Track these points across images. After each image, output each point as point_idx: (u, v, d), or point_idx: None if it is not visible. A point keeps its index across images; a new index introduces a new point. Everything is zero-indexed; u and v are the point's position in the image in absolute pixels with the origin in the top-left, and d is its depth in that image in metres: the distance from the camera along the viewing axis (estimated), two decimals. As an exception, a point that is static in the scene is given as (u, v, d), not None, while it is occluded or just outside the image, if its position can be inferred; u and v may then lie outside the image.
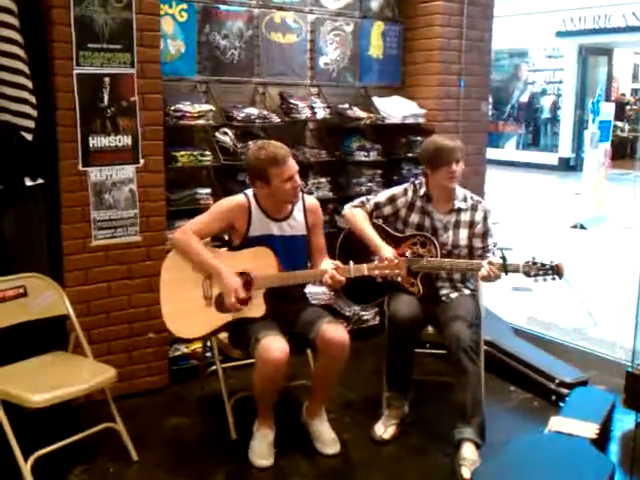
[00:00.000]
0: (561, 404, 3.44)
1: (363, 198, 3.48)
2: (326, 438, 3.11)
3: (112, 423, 2.99)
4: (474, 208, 3.36)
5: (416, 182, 3.43)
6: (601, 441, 2.97)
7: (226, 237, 3.31)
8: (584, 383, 3.66)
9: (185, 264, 3.04)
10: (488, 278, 3.09)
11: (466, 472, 2.89)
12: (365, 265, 3.01)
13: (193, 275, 3.04)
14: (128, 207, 3.49)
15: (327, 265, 3.11)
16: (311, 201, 3.26)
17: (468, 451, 2.97)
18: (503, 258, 3.11)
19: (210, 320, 3.04)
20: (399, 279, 3.15)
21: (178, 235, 3.08)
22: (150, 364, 3.67)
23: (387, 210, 3.42)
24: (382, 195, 3.46)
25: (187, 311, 3.02)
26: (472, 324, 3.12)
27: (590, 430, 2.93)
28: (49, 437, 2.83)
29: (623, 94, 17.12)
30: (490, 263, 3.08)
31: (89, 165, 3.35)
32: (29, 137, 3.12)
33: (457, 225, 3.33)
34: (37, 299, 3.02)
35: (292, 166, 3.03)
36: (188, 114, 3.73)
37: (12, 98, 3.05)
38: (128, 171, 3.47)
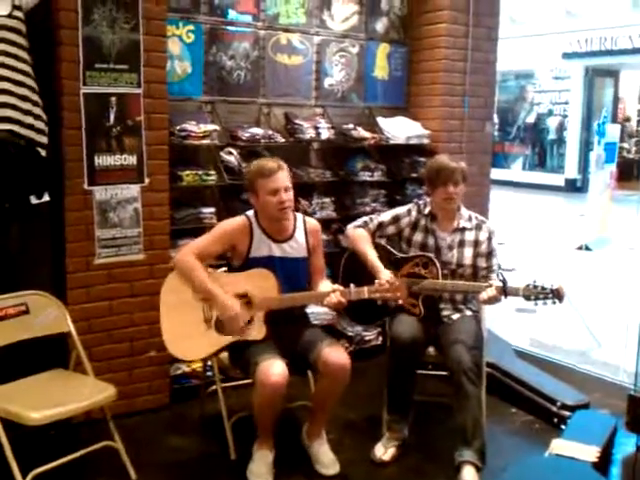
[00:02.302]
0: (563, 427, 3.43)
1: (366, 218, 3.49)
2: (325, 459, 3.10)
3: (111, 442, 2.98)
4: (478, 228, 3.37)
5: (420, 202, 3.46)
6: (602, 464, 2.95)
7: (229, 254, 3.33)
8: (586, 406, 3.64)
9: (184, 287, 3.04)
10: (488, 301, 3.09)
11: None
12: (366, 288, 3.01)
13: (192, 298, 3.04)
14: (132, 226, 3.52)
15: (326, 287, 3.12)
16: (312, 223, 3.27)
17: (469, 474, 2.96)
18: (503, 281, 3.12)
19: (211, 343, 3.04)
20: (400, 301, 3.16)
21: (179, 258, 3.08)
22: (151, 383, 3.67)
23: (390, 230, 3.43)
24: (386, 215, 3.47)
25: (188, 334, 3.02)
26: (473, 347, 3.12)
27: (591, 453, 2.91)
28: (48, 455, 2.82)
29: (628, 118, 17.04)
30: (490, 286, 3.09)
31: (95, 184, 3.38)
32: (43, 153, 3.16)
33: (462, 244, 3.34)
34: (39, 317, 3.03)
35: (279, 180, 3.02)
36: (193, 134, 3.77)
37: (32, 114, 3.09)
38: (133, 190, 3.50)
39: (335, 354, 2.95)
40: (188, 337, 3.03)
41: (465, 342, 3.11)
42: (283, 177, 3.04)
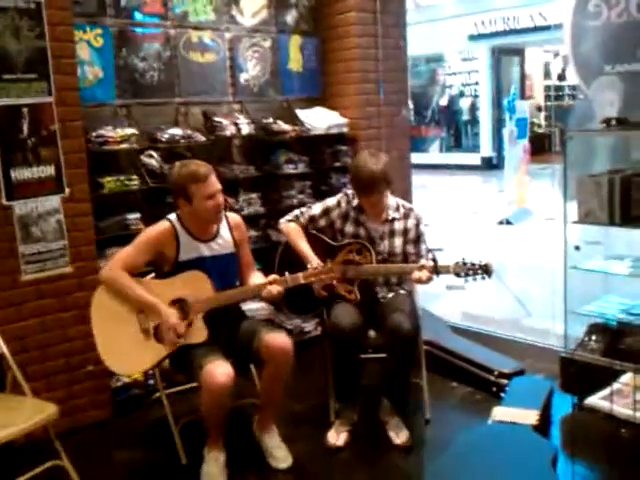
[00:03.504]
0: (502, 395, 3.54)
1: (297, 211, 3.50)
2: (278, 453, 3.12)
3: (58, 461, 2.89)
4: (406, 216, 3.42)
5: (349, 192, 3.46)
6: (542, 426, 3.08)
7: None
8: (521, 372, 3.78)
9: (114, 300, 2.97)
10: (420, 281, 3.17)
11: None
12: (301, 274, 3.05)
13: (126, 309, 2.97)
14: (56, 238, 3.42)
15: (258, 279, 3.14)
16: (234, 217, 3.28)
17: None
18: (434, 260, 3.20)
19: (152, 353, 2.98)
20: (334, 283, 3.20)
21: (106, 274, 3.00)
22: (92, 397, 3.59)
23: (322, 222, 3.45)
24: (316, 208, 3.49)
25: (126, 348, 2.95)
26: (411, 315, 3.23)
27: (531, 417, 3.03)
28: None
29: (531, 96, 17.50)
30: (422, 266, 3.17)
31: (13, 198, 3.27)
32: None
33: (392, 234, 3.39)
34: (-32, 340, 2.93)
35: (214, 184, 3.02)
36: (111, 139, 3.70)
37: None
38: (53, 201, 3.40)
39: (276, 338, 2.98)
40: (126, 351, 2.96)
41: (403, 310, 3.22)
42: (215, 180, 3.04)
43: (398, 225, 3.40)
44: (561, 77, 17.62)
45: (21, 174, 3.29)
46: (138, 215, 3.82)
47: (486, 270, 3.13)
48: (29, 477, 2.81)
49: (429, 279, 3.17)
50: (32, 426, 2.73)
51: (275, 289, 3.00)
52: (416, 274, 3.16)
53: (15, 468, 2.88)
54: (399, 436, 3.26)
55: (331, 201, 3.48)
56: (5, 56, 3.20)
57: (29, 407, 2.90)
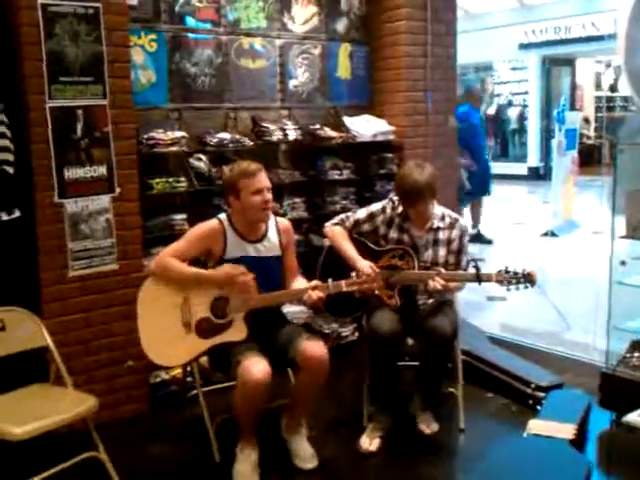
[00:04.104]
0: (538, 408, 3.51)
1: (343, 215, 3.54)
2: (304, 454, 3.15)
3: (95, 452, 2.96)
4: (452, 226, 3.41)
5: (395, 198, 3.45)
6: (579, 441, 3.05)
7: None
8: (559, 386, 3.74)
9: (161, 293, 3.07)
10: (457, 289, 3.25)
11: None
12: (343, 281, 3.08)
13: (170, 303, 3.06)
14: (104, 236, 3.52)
15: (300, 284, 3.18)
16: (283, 222, 3.34)
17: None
18: (476, 268, 3.19)
19: (191, 346, 3.06)
20: (377, 292, 3.22)
21: (157, 261, 3.12)
22: (131, 392, 3.68)
23: (366, 227, 3.47)
24: (361, 212, 3.51)
25: (167, 340, 3.04)
26: (450, 320, 3.24)
27: (568, 431, 3.00)
28: (32, 469, 2.80)
29: (581, 107, 17.15)
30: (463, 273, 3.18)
31: (65, 197, 3.38)
32: (11, 170, 3.17)
33: (436, 243, 3.38)
34: (16, 332, 3.02)
35: (262, 180, 3.09)
36: (161, 141, 3.79)
37: None
38: (104, 201, 3.51)
39: (314, 347, 3.00)
40: (168, 343, 3.05)
41: (443, 314, 3.26)
42: (265, 177, 3.12)
43: (442, 235, 3.39)
44: (613, 88, 17.26)
45: (74, 173, 3.40)
46: (184, 216, 3.91)
47: (529, 279, 3.12)
48: (67, 466, 2.88)
49: (458, 289, 3.32)
50: (72, 417, 2.81)
51: (316, 294, 3.04)
52: (430, 283, 3.17)
53: (53, 457, 2.94)
54: (429, 427, 3.36)
55: (376, 206, 3.49)
56: (63, 59, 3.32)
57: (70, 399, 2.98)
